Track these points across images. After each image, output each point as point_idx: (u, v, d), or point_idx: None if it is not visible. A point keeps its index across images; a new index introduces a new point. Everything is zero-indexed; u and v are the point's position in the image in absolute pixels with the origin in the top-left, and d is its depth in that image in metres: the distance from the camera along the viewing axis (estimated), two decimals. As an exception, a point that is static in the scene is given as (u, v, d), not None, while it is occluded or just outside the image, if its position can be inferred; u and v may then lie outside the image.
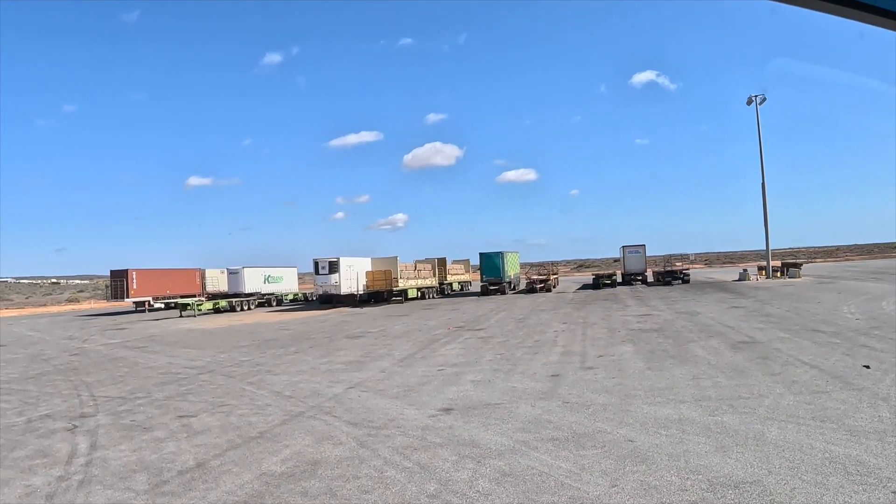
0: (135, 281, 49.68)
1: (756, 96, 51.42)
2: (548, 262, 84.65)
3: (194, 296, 51.25)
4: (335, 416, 10.15)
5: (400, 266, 45.96)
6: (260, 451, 8.49)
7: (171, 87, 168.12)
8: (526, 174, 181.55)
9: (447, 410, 10.20)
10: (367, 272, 44.90)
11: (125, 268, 49.94)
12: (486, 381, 12.66)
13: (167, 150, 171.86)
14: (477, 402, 10.79)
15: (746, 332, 18.25)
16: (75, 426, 10.89)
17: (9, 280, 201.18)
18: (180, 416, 11.05)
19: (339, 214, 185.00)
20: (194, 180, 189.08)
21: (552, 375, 12.93)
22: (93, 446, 9.41)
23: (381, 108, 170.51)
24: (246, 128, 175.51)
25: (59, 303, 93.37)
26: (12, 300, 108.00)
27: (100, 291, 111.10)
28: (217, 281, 54.83)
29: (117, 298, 50.41)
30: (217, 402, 12.23)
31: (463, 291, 59.09)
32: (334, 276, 41.55)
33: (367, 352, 18.48)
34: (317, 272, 42.52)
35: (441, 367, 14.73)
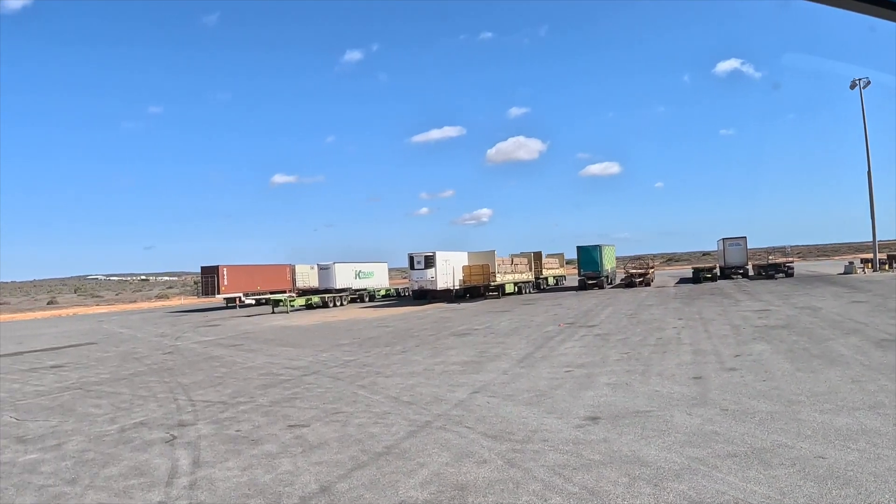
0: (225, 277, 55.38)
1: (860, 80, 53.93)
2: (644, 256, 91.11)
3: (284, 292, 57.10)
4: (468, 427, 10.30)
5: (497, 260, 50.66)
6: (391, 471, 8.37)
7: (253, 86, 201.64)
8: (609, 167, 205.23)
9: (593, 419, 10.43)
10: (463, 266, 50.14)
11: (215, 264, 55.63)
12: (623, 384, 13.21)
13: (252, 149, 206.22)
14: (623, 408, 11.13)
15: (883, 329, 19.13)
16: (174, 437, 11.08)
17: (99, 277, 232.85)
18: (291, 426, 11.20)
19: (424, 210, 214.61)
20: (279, 178, 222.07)
21: (694, 378, 13.50)
22: (196, 463, 9.40)
23: (463, 102, 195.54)
24: (329, 125, 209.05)
25: (148, 299, 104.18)
26: (102, 297, 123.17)
27: (188, 288, 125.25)
28: (307, 277, 61.59)
29: (208, 295, 56.64)
30: (329, 408, 12.51)
31: (558, 286, 64.93)
32: (430, 271, 46.45)
33: (480, 351, 19.64)
34: (412, 267, 47.57)
35: (568, 368, 15.51)
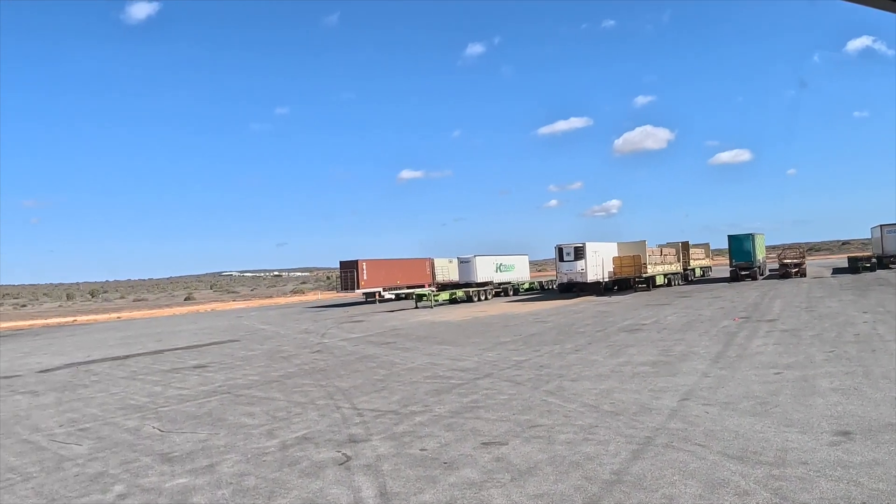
0: (365, 272, 57.92)
1: None
2: (793, 245, 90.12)
3: (422, 286, 60.42)
4: (700, 445, 9.57)
5: (647, 251, 53.47)
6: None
7: (376, 84, 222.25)
8: (740, 154, 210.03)
9: (845, 434, 9.66)
10: (613, 258, 52.66)
11: (354, 258, 58.13)
12: (852, 390, 12.49)
13: (378, 146, 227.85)
14: (872, 420, 10.35)
15: None
16: (347, 457, 9.97)
17: (233, 273, 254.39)
18: (485, 444, 10.32)
19: (553, 202, 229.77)
20: (406, 174, 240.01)
21: (932, 379, 12.77)
22: (383, 494, 8.16)
23: (588, 92, 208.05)
24: (454, 120, 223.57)
25: (284, 294, 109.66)
26: (238, 292, 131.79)
27: (322, 283, 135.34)
28: (446, 270, 65.30)
29: (347, 290, 59.07)
30: (522, 420, 11.71)
31: (704, 277, 67.59)
32: (580, 263, 48.62)
33: (661, 349, 19.39)
34: (560, 259, 49.72)
35: (775, 370, 15.00)
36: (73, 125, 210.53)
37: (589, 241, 49.19)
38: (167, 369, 21.93)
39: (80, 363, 25.33)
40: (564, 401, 12.94)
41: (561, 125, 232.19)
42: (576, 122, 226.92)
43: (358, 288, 58.05)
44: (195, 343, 31.31)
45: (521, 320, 32.42)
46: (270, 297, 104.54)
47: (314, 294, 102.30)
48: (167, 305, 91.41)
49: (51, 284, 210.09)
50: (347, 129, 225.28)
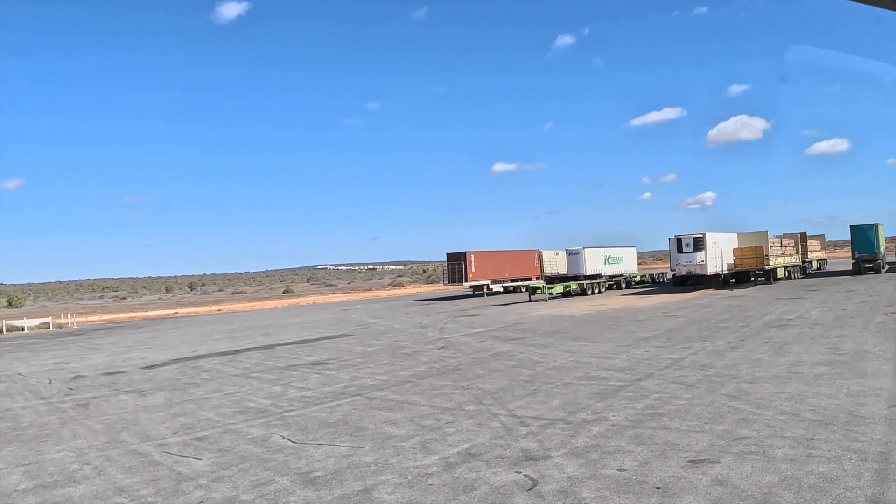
0: (473, 264, 57.98)
1: None
2: None
3: (530, 279, 60.83)
4: None
5: (769, 241, 53.20)
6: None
7: (467, 78, 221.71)
8: (838, 144, 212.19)
9: None
10: (734, 249, 52.72)
11: (461, 251, 58.29)
12: None
13: (471, 139, 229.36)
14: None
15: None
16: (532, 480, 8.43)
17: (328, 267, 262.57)
18: (692, 462, 8.97)
19: (647, 195, 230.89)
20: (500, 167, 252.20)
21: None
22: None
23: (680, 82, 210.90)
24: (546, 112, 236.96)
25: (382, 287, 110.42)
26: (336, 285, 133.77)
27: (419, 276, 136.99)
28: (553, 262, 66.33)
29: (455, 282, 59.32)
30: (719, 431, 10.42)
31: (821, 270, 67.28)
32: (699, 254, 48.75)
33: (827, 347, 18.28)
34: (679, 250, 49.87)
35: None
36: (168, 124, 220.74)
37: (709, 232, 49.19)
38: (282, 366, 20.61)
39: (187, 358, 24.48)
40: (755, 407, 11.76)
41: (653, 116, 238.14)
42: (668, 113, 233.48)
43: (466, 281, 58.13)
44: (306, 337, 30.26)
45: (649, 314, 31.92)
46: (369, 290, 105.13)
47: (414, 287, 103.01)
48: (266, 298, 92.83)
49: (149, 278, 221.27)
50: (439, 122, 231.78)
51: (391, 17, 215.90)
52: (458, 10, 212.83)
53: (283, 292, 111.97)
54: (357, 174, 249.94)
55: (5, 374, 23.42)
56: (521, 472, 8.71)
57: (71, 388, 19.05)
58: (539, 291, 50.25)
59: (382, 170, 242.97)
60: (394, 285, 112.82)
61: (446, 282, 62.04)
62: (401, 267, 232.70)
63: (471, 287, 60.12)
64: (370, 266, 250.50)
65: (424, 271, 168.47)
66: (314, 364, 20.69)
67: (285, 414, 13.22)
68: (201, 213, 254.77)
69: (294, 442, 10.88)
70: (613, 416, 11.69)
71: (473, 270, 58.04)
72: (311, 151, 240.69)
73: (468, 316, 38.06)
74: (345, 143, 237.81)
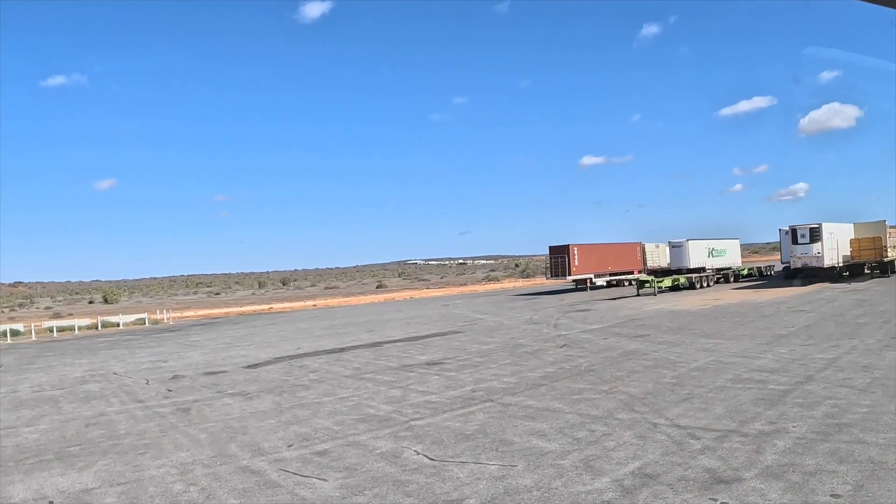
0: (576, 257, 57.37)
1: None
2: None
3: (632, 272, 60.86)
4: None
5: (887, 231, 52.19)
6: None
7: (553, 69, 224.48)
8: None
9: None
10: (850, 240, 51.43)
11: (564, 244, 57.70)
12: None
13: (558, 132, 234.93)
14: None
15: None
16: None
17: (418, 262, 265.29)
18: None
19: (738, 186, 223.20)
20: (588, 160, 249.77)
21: None
22: None
23: (770, 69, 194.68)
24: (633, 103, 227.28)
25: (476, 282, 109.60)
26: (429, 280, 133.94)
27: (511, 270, 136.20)
28: (654, 255, 65.23)
29: (558, 276, 58.69)
30: None
31: None
32: (816, 246, 47.60)
33: None
34: (794, 241, 48.87)
35: None
36: (257, 123, 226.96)
37: (825, 222, 48.18)
38: (396, 366, 19.49)
39: (291, 357, 23.72)
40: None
41: (743, 105, 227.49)
42: (758, 102, 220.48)
43: (569, 275, 57.39)
44: (413, 334, 29.26)
45: (773, 309, 30.64)
46: (463, 284, 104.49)
47: (510, 282, 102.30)
48: (360, 293, 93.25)
49: (241, 273, 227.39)
50: (526, 116, 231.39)
51: (474, 12, 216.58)
52: (540, 1, 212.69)
53: (377, 287, 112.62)
54: (445, 169, 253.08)
55: (100, 374, 23.04)
56: (717, 500, 7.38)
57: (170, 390, 18.31)
58: (647, 285, 49.24)
59: (470, 164, 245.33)
60: (488, 280, 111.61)
61: (548, 275, 61.14)
62: (491, 262, 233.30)
63: (573, 281, 59.10)
64: (460, 261, 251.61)
65: (516, 265, 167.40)
66: (430, 364, 19.51)
67: (413, 423, 11.97)
68: (291, 210, 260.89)
69: (432, 459, 9.60)
70: (793, 426, 10.28)
71: (577, 264, 57.25)
72: (398, 147, 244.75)
73: (579, 311, 36.73)
74: (432, 138, 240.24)
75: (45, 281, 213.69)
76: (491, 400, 13.60)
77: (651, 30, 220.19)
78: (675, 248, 58.15)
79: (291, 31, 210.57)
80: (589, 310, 37.20)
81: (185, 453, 11.01)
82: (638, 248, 64.60)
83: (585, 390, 14.12)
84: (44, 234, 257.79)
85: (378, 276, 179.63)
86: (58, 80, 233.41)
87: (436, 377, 17.01)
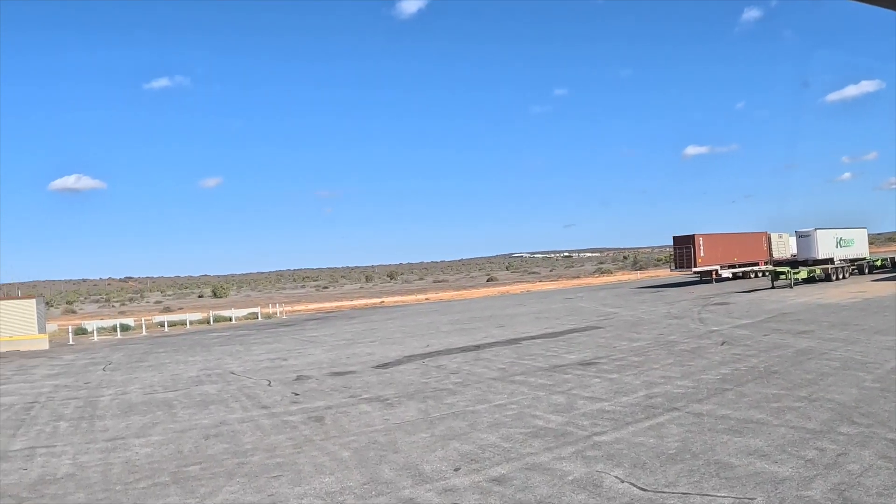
0: (702, 248, 55.56)
1: None
2: None
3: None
4: None
5: None
6: None
7: (654, 57, 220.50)
8: None
9: None
10: None
11: (689, 233, 56.00)
12: None
13: (662, 122, 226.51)
14: None
15: None
16: None
17: (524, 255, 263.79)
18: None
19: (846, 175, 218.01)
20: (692, 150, 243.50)
21: None
22: None
23: (877, 51, 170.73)
24: (737, 90, 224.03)
25: (588, 274, 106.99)
26: (538, 273, 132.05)
27: (619, 263, 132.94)
28: (778, 245, 64.55)
29: (682, 267, 56.82)
30: None
31: None
32: None
33: None
34: None
35: None
36: (357, 120, 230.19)
37: None
38: (545, 367, 17.73)
39: (422, 355, 22.28)
40: None
41: (851, 90, 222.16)
42: (867, 86, 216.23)
43: (695, 266, 55.32)
44: (548, 330, 27.45)
45: None
46: (576, 277, 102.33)
47: (622, 274, 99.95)
48: (471, 287, 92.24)
49: (346, 268, 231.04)
50: (628, 106, 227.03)
51: (573, 2, 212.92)
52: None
53: (487, 280, 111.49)
54: (547, 162, 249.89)
55: (216, 373, 21.71)
56: None
57: (296, 394, 16.64)
58: (783, 276, 46.95)
59: (572, 156, 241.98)
60: (600, 272, 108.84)
61: (673, 267, 59.11)
62: (596, 254, 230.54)
63: (697, 273, 57.15)
64: (565, 253, 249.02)
65: (625, 258, 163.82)
66: (583, 364, 17.70)
67: (596, 438, 10.19)
68: (394, 205, 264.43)
69: (643, 489, 7.82)
70: None
71: (702, 255, 55.17)
72: (499, 141, 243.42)
73: (717, 304, 34.55)
74: (534, 130, 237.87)
75: (154, 276, 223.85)
76: (676, 409, 11.76)
77: (752, 14, 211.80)
78: (803, 237, 55.99)
79: (389, 27, 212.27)
80: (727, 303, 35.05)
81: (328, 478, 9.30)
82: (764, 239, 62.52)
83: (782, 396, 12.23)
84: (152, 230, 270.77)
85: (485, 269, 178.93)
86: (161, 82, 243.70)
87: (597, 380, 15.21)
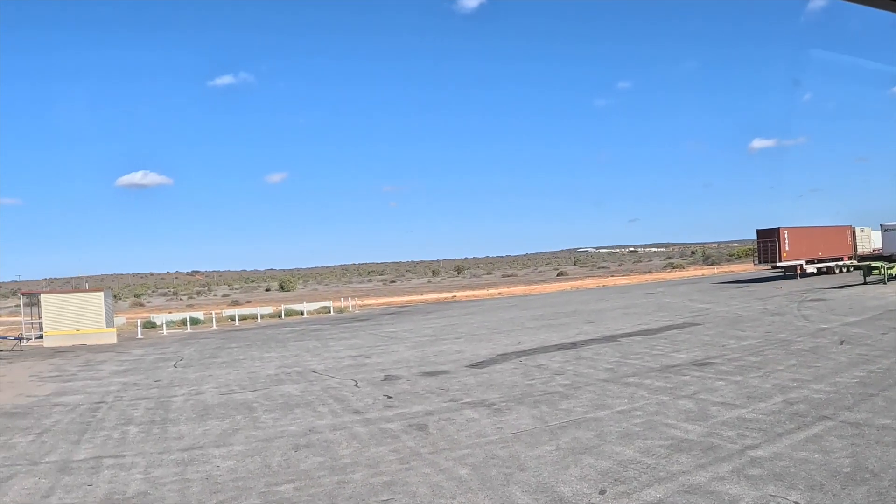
0: (786, 242, 53.69)
1: None
2: None
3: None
4: None
5: None
6: None
7: (719, 48, 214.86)
8: None
9: None
10: None
11: (773, 227, 54.33)
12: None
13: (727, 114, 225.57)
14: None
15: None
16: None
17: (589, 249, 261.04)
18: None
19: None
20: (758, 143, 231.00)
21: None
22: None
23: None
24: (804, 81, 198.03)
25: (659, 269, 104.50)
26: (607, 267, 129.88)
27: (687, 258, 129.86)
28: (863, 240, 62.43)
29: (767, 262, 54.88)
30: None
31: None
32: None
33: None
34: None
35: None
36: (419, 115, 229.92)
37: None
38: (656, 367, 16.50)
39: (517, 353, 21.05)
40: None
41: None
42: None
43: (780, 260, 53.38)
44: (643, 326, 26.10)
45: None
46: (648, 272, 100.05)
47: (695, 269, 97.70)
48: (542, 281, 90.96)
49: (411, 262, 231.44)
50: (692, 98, 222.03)
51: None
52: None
53: (557, 275, 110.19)
54: (610, 155, 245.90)
55: (296, 371, 20.45)
56: None
57: (389, 396, 15.26)
58: (876, 272, 44.67)
59: (636, 150, 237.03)
60: (672, 267, 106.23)
61: (757, 261, 57.14)
62: (662, 249, 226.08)
63: (780, 268, 55.34)
64: (630, 248, 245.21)
65: (693, 253, 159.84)
66: (698, 364, 16.39)
67: (751, 453, 9.02)
68: (458, 200, 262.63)
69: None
70: None
71: (787, 249, 53.28)
72: (561, 134, 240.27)
73: (814, 301, 32.74)
74: (597, 124, 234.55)
75: (220, 270, 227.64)
76: (826, 417, 10.52)
77: (818, 2, 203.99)
78: (889, 231, 54.41)
79: (450, 23, 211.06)
80: (823, 299, 33.34)
81: (451, 503, 8.13)
82: (848, 232, 60.29)
83: None
84: (218, 225, 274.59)
85: (551, 264, 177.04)
86: (225, 79, 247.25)
87: (720, 382, 13.96)
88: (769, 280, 53.53)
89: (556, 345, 22.43)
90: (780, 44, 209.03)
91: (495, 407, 13.43)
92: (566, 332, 25.99)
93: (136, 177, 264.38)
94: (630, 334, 23.73)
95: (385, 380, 17.82)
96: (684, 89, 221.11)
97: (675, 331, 23.86)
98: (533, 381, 16.05)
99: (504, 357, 20.52)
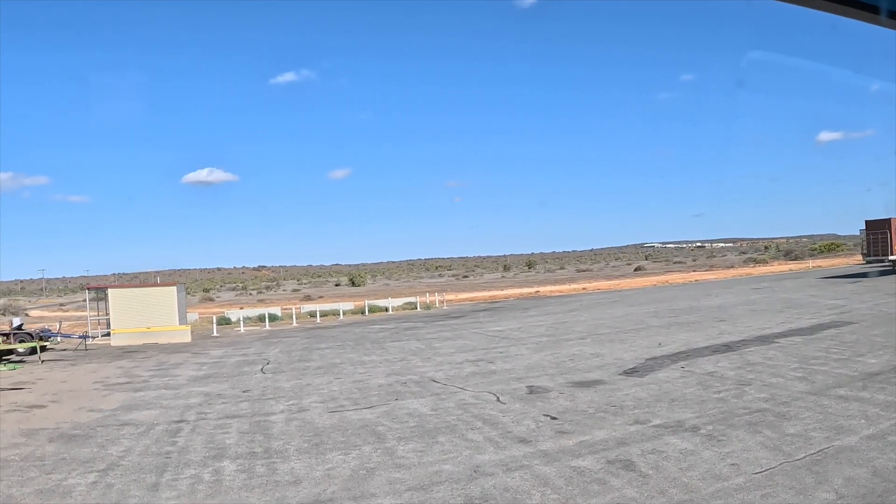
0: None
1: None
2: None
3: None
4: None
5: None
6: None
7: (784, 39, 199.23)
8: None
9: None
10: None
11: (885, 217, 51.47)
12: None
13: (793, 107, 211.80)
14: None
15: None
16: None
17: (655, 245, 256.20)
18: None
19: None
20: (825, 136, 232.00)
21: None
22: None
23: None
24: (871, 71, 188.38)
25: (739, 264, 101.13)
26: (683, 262, 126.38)
27: (760, 252, 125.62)
28: None
29: (877, 255, 52.04)
30: None
31: None
32: None
33: None
34: None
35: None
36: (481, 112, 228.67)
37: None
38: (854, 375, 14.12)
39: (668, 357, 18.64)
40: None
41: None
42: None
43: (891, 254, 50.23)
44: (791, 326, 23.15)
45: None
46: (730, 267, 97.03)
47: (778, 264, 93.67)
48: (619, 276, 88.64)
49: (478, 257, 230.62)
50: (757, 90, 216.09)
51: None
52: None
53: (634, 270, 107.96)
54: (675, 149, 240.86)
55: (412, 381, 17.70)
56: None
57: (552, 417, 12.41)
58: None
59: (700, 143, 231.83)
60: (756, 262, 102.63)
61: (867, 255, 53.86)
62: (730, 244, 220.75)
63: (892, 261, 51.51)
64: (697, 243, 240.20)
65: (766, 248, 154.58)
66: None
67: None
68: (523, 195, 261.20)
69: None
70: None
71: None
72: (623, 128, 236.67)
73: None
74: (661, 117, 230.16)
75: (286, 265, 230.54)
76: None
77: None
78: None
79: (509, 17, 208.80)
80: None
81: None
82: None
83: None
84: (283, 221, 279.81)
85: (621, 259, 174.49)
86: (287, 76, 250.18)
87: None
88: (883, 275, 49.27)
89: (705, 347, 20.13)
90: (845, 32, 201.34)
91: (702, 432, 10.75)
92: (705, 332, 23.61)
93: (202, 174, 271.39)
94: (782, 334, 21.34)
95: (531, 392, 15.01)
96: (749, 80, 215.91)
97: (831, 330, 21.42)
98: (721, 395, 13.43)
99: (657, 362, 18.06)
